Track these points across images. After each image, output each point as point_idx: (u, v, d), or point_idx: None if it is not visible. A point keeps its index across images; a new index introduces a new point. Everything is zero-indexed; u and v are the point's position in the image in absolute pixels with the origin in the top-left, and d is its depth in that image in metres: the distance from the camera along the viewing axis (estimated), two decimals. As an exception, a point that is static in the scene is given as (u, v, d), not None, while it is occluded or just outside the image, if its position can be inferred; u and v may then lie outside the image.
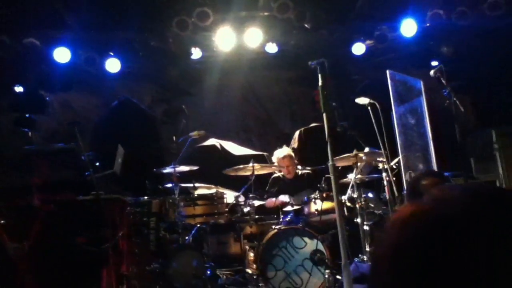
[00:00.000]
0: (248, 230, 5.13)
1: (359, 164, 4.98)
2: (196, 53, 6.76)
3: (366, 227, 4.81)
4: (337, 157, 4.62)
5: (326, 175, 4.62)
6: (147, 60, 7.02)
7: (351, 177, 5.00)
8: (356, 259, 4.75)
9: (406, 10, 6.51)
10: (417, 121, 5.68)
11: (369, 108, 4.90)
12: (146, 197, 5.20)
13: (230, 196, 5.52)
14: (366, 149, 5.11)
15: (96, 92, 7.49)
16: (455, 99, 4.51)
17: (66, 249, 3.93)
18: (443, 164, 5.74)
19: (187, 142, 5.52)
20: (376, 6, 6.58)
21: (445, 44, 6.96)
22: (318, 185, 5.06)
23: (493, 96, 7.35)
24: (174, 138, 5.58)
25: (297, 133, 7.64)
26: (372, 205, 5.03)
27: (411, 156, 5.59)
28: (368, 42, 6.91)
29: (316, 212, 4.92)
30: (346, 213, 5.00)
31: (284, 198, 5.33)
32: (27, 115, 6.15)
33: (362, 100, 4.99)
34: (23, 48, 6.07)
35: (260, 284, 4.53)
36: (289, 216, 5.06)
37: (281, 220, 5.13)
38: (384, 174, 4.82)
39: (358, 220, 4.84)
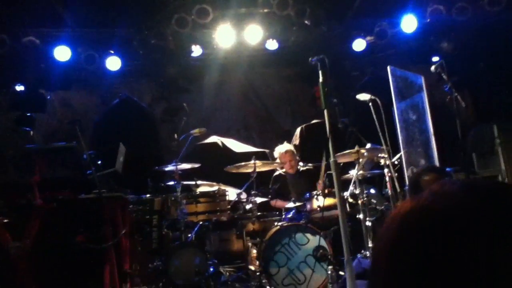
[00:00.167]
0: (250, 227, 5.12)
1: (361, 160, 4.97)
2: (196, 51, 6.75)
3: (368, 223, 4.80)
4: (339, 153, 4.62)
5: (328, 172, 4.61)
6: (147, 58, 7.01)
7: (353, 173, 5.00)
8: (358, 255, 4.75)
9: (406, 6, 6.52)
10: (418, 116, 5.69)
11: (370, 104, 4.90)
12: (148, 195, 5.20)
13: (232, 193, 5.52)
14: (368, 145, 5.10)
15: (96, 90, 7.49)
16: (456, 94, 4.51)
17: (68, 248, 3.92)
18: (444, 159, 5.74)
19: (188, 139, 5.51)
20: (376, 2, 6.58)
21: (445, 39, 6.95)
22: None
23: (493, 91, 7.35)
24: (175, 136, 5.57)
25: (298, 129, 7.64)
26: (374, 201, 5.02)
27: (412, 151, 5.60)
28: (368, 38, 6.90)
29: (318, 209, 4.92)
30: (348, 209, 5.00)
31: (289, 205, 5.30)
32: (28, 114, 6.13)
33: (363, 96, 4.98)
34: (23, 47, 6.06)
35: (263, 281, 4.52)
36: (291, 212, 5.05)
37: (283, 216, 5.12)
38: (386, 170, 4.82)
39: (361, 216, 4.84)
